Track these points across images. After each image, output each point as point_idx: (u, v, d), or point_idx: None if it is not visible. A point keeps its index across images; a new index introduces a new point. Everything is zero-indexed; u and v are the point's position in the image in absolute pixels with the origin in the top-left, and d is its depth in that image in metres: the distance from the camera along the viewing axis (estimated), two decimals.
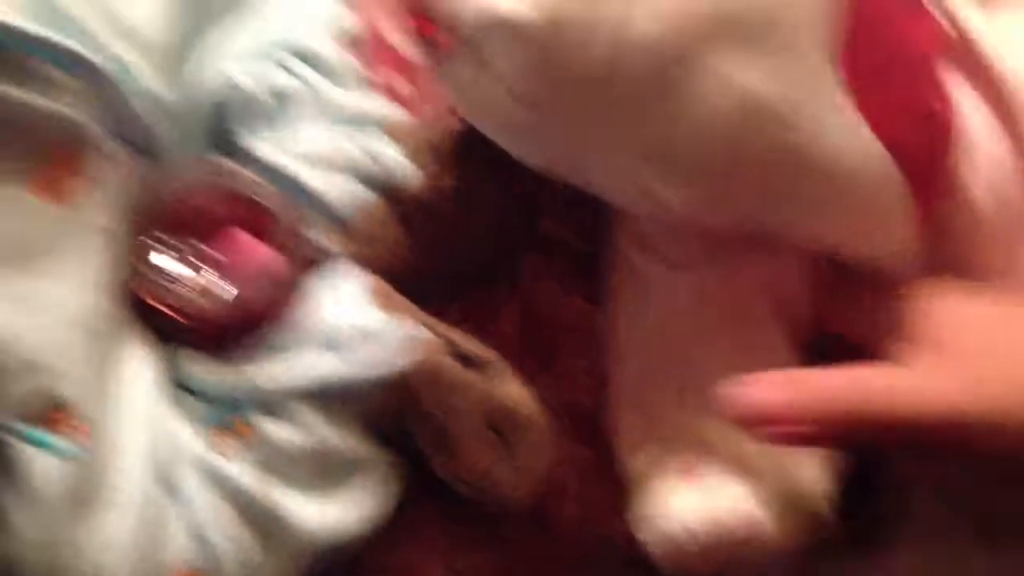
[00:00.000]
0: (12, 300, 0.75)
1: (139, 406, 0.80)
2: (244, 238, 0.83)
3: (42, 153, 0.77)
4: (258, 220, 0.84)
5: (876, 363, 0.78)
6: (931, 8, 0.82)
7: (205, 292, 0.82)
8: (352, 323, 0.81)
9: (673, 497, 0.82)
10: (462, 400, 0.80)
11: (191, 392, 0.82)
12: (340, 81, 0.88)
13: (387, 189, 0.85)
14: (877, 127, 0.77)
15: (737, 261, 0.83)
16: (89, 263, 0.79)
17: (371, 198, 0.85)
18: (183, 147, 0.85)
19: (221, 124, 0.87)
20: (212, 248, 0.83)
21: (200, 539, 0.80)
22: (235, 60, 0.87)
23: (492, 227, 0.87)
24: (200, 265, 0.82)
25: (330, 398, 0.81)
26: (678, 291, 0.84)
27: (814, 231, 0.80)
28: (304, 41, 0.88)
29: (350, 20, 0.90)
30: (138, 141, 0.82)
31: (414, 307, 0.82)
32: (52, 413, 0.76)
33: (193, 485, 0.80)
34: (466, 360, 0.81)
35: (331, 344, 0.81)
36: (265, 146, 0.85)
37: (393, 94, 0.88)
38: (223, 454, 0.81)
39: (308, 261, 0.84)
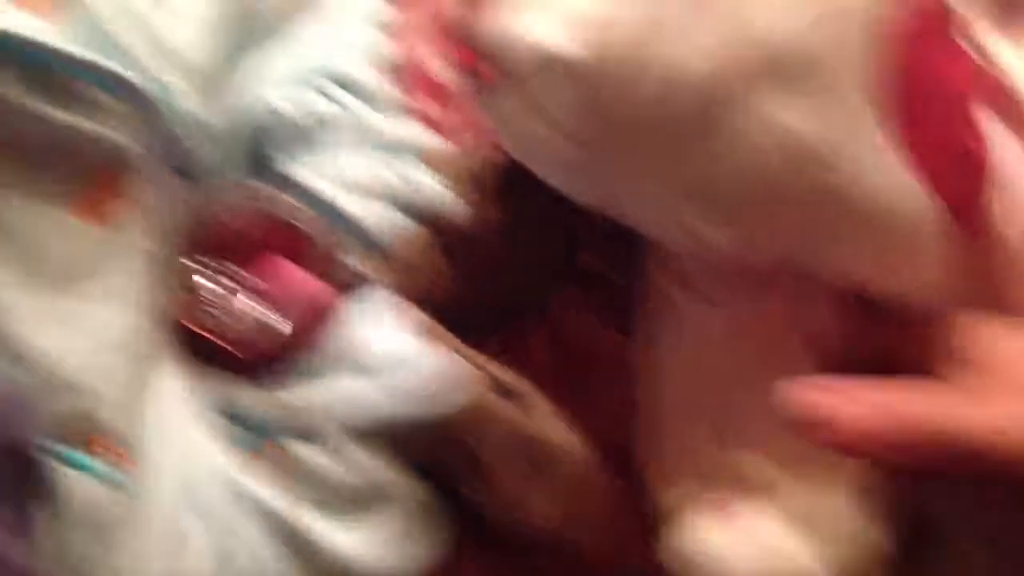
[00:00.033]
0: (55, 321, 0.76)
1: (174, 429, 0.81)
2: (283, 264, 0.84)
3: (86, 175, 0.78)
4: (297, 245, 0.84)
5: (924, 382, 0.78)
6: (965, 45, 0.83)
7: (243, 317, 0.82)
8: (393, 354, 0.81)
9: (707, 533, 0.82)
10: (498, 432, 0.81)
11: (226, 415, 0.83)
12: (379, 108, 0.88)
13: (428, 218, 0.85)
14: (914, 166, 0.77)
15: (771, 297, 0.84)
16: (131, 285, 0.79)
17: (412, 227, 0.85)
18: (224, 171, 0.86)
19: (261, 149, 0.87)
20: (251, 273, 0.83)
21: (231, 563, 0.80)
22: (275, 85, 0.87)
23: (531, 258, 0.87)
24: (239, 290, 0.83)
25: (368, 428, 0.81)
26: (713, 326, 0.84)
27: (851, 268, 0.80)
28: (343, 67, 0.89)
29: (389, 47, 0.91)
30: (180, 164, 0.82)
31: (454, 339, 0.83)
32: (92, 436, 0.77)
33: (225, 508, 0.80)
34: (503, 391, 0.82)
35: (371, 373, 0.81)
36: (304, 171, 0.85)
37: (432, 122, 0.89)
38: (256, 478, 0.81)
39: (346, 287, 0.85)
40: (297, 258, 0.84)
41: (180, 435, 0.81)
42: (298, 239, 0.84)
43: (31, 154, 0.76)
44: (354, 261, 0.85)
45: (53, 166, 0.77)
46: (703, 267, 0.84)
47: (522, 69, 0.75)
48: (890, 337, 0.83)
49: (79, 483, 0.76)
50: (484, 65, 0.77)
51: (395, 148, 0.87)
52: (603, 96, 0.73)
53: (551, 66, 0.73)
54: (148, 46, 0.80)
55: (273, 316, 0.82)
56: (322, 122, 0.87)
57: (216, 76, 0.85)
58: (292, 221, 0.84)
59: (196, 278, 0.83)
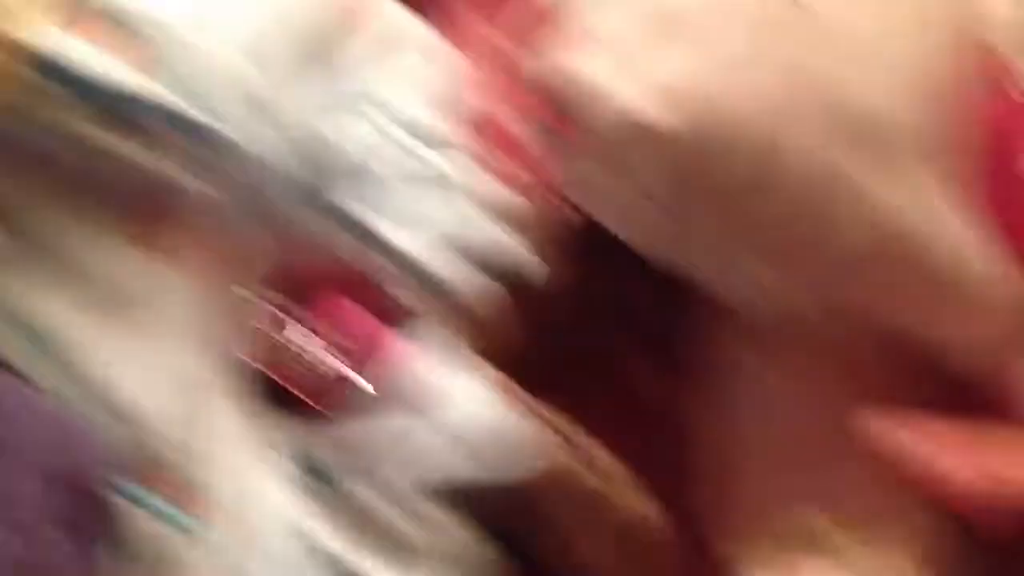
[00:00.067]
0: (117, 353, 0.76)
1: (241, 472, 0.80)
2: (355, 309, 0.84)
3: (145, 207, 0.78)
4: (367, 291, 0.84)
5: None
6: None
7: (313, 361, 0.82)
8: (471, 412, 0.81)
9: None
10: (571, 495, 0.81)
11: (295, 460, 0.83)
12: (456, 160, 0.88)
13: (504, 276, 0.85)
14: (995, 233, 0.78)
15: (838, 360, 0.84)
16: (191, 320, 0.79)
17: (488, 284, 0.85)
18: (289, 207, 0.86)
19: (328, 188, 0.87)
20: (317, 313, 0.83)
21: None
22: (351, 126, 0.88)
23: (602, 316, 0.87)
24: (304, 331, 0.83)
25: (441, 485, 0.81)
26: (781, 388, 0.85)
27: (921, 324, 0.81)
28: (420, 116, 0.88)
29: (466, 97, 0.91)
30: (243, 200, 0.83)
31: (527, 396, 0.83)
32: (156, 474, 0.77)
33: (290, 555, 0.80)
34: (574, 452, 0.82)
35: (447, 431, 0.81)
36: (382, 221, 0.85)
37: (509, 178, 0.89)
38: (322, 525, 0.81)
39: (418, 337, 0.85)
40: (368, 304, 0.84)
41: (247, 479, 0.80)
42: (369, 285, 0.84)
43: (92, 184, 0.76)
44: (426, 311, 0.85)
45: (114, 197, 0.77)
46: (773, 328, 0.85)
47: (610, 134, 0.76)
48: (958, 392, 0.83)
49: (141, 519, 0.76)
50: (567, 125, 0.78)
51: (470, 199, 0.87)
52: (694, 166, 0.75)
53: (642, 134, 0.75)
54: (212, 81, 0.81)
55: (343, 362, 0.82)
56: (397, 168, 0.87)
57: (277, 107, 0.86)
58: (363, 267, 0.85)
59: (263, 317, 0.83)
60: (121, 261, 0.76)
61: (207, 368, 0.79)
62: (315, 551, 0.80)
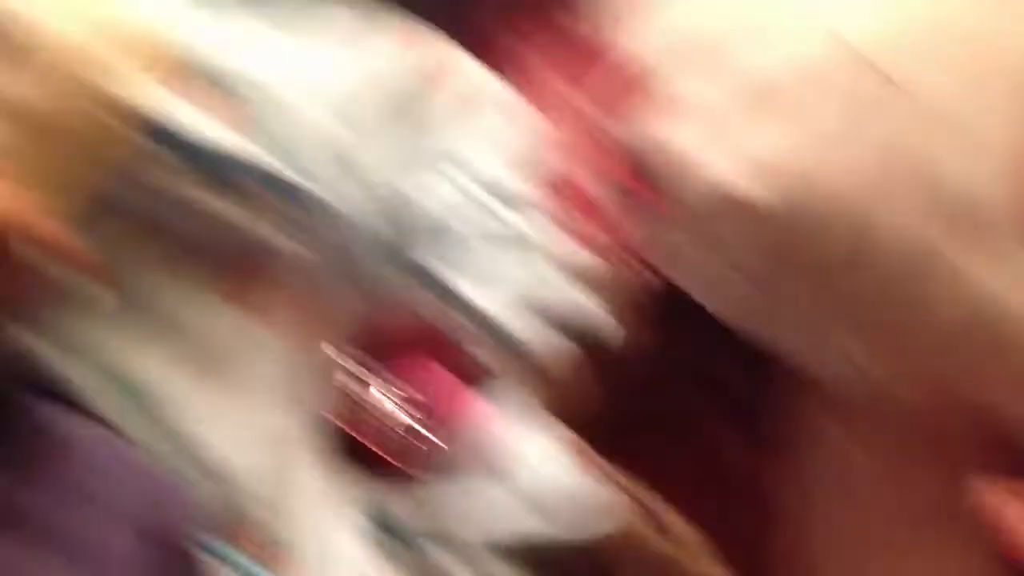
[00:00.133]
0: (209, 410, 0.77)
1: (315, 524, 0.81)
2: (435, 369, 0.84)
3: (240, 266, 0.79)
4: (448, 350, 0.85)
5: None
6: None
7: (392, 420, 0.83)
8: (544, 474, 0.82)
9: None
10: (641, 559, 0.81)
11: (370, 517, 0.83)
12: (535, 221, 0.89)
13: (582, 338, 0.86)
14: None
15: (928, 437, 0.84)
16: (280, 377, 0.80)
17: (566, 345, 0.86)
18: (373, 266, 0.86)
19: (413, 248, 0.87)
20: (399, 373, 0.84)
21: None
22: (434, 187, 0.88)
23: (679, 381, 0.87)
24: (386, 390, 0.83)
25: (512, 545, 0.81)
26: (866, 462, 0.84)
27: (1020, 407, 0.81)
28: (503, 177, 0.89)
29: (546, 158, 0.91)
30: (330, 258, 0.83)
31: (607, 464, 0.83)
32: (242, 531, 0.77)
33: None
34: (647, 516, 0.82)
35: (520, 491, 0.82)
36: (458, 277, 0.86)
37: (589, 240, 0.89)
38: None
39: (495, 396, 0.85)
40: (447, 363, 0.85)
41: (328, 537, 0.81)
42: (449, 344, 0.85)
43: (189, 242, 0.77)
44: (504, 371, 0.86)
45: (209, 254, 0.78)
46: (861, 404, 0.84)
47: (700, 205, 0.76)
48: None
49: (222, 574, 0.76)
50: (655, 193, 0.78)
51: (550, 261, 0.88)
52: (788, 242, 0.74)
53: (734, 208, 0.75)
54: (313, 148, 0.81)
55: (422, 421, 0.83)
56: (478, 228, 0.88)
57: (365, 168, 0.86)
58: (443, 326, 0.85)
59: (346, 376, 0.83)
60: (216, 319, 0.77)
61: (293, 426, 0.80)
62: None
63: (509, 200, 0.89)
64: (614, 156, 0.85)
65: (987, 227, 0.76)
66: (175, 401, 0.76)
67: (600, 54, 0.86)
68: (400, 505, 0.83)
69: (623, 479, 0.84)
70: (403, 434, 0.83)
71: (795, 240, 0.74)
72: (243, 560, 0.77)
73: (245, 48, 0.79)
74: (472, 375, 0.85)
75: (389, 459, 0.83)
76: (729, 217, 0.75)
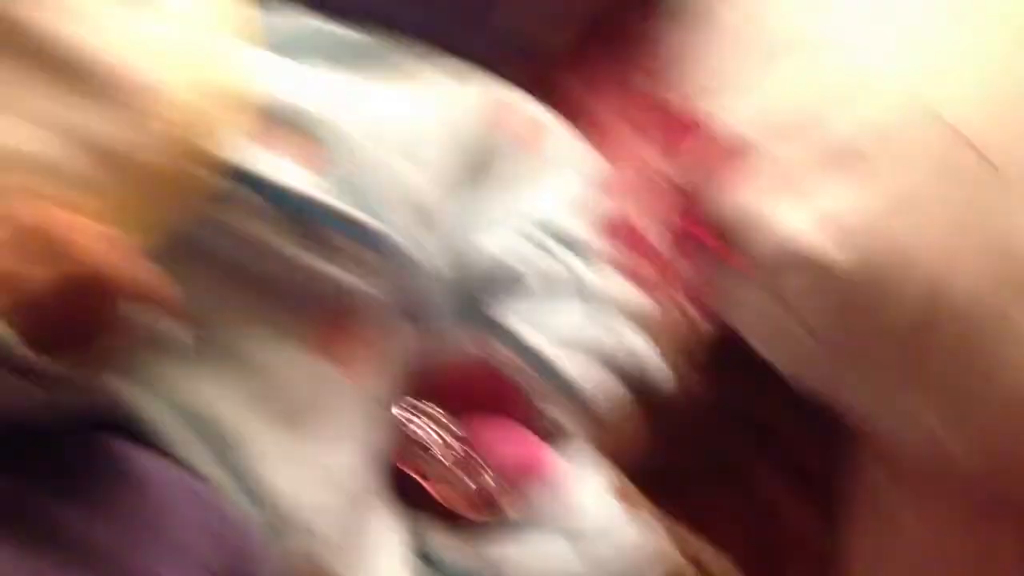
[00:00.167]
0: (287, 459, 0.76)
1: (379, 570, 0.81)
2: (494, 416, 0.84)
3: (326, 317, 0.79)
4: (507, 395, 0.85)
5: None
6: None
7: (451, 466, 0.83)
8: (595, 520, 0.82)
9: None
10: None
11: (427, 560, 0.84)
12: (594, 264, 0.89)
13: (635, 382, 0.86)
14: None
15: (988, 508, 0.85)
16: (356, 427, 0.80)
17: (618, 388, 0.86)
18: (443, 314, 0.87)
19: (477, 293, 0.88)
20: (463, 421, 0.84)
21: None
22: (495, 232, 0.88)
23: (731, 430, 0.88)
24: (454, 442, 0.84)
25: None
26: (920, 527, 0.85)
27: None
28: (561, 221, 0.89)
29: (603, 203, 0.92)
30: (408, 308, 0.84)
31: (650, 504, 0.84)
32: (304, 572, 0.78)
33: None
34: (696, 563, 0.83)
35: (571, 538, 0.82)
36: (518, 321, 0.86)
37: (647, 285, 0.90)
38: None
39: (547, 438, 0.86)
40: (506, 408, 0.85)
41: None
42: (509, 389, 0.85)
43: (276, 292, 0.77)
44: (557, 414, 0.86)
45: (296, 305, 0.78)
46: (921, 468, 0.85)
47: (771, 260, 0.77)
48: None
49: None
50: (727, 249, 0.79)
51: (608, 306, 0.88)
52: (858, 301, 0.75)
53: (806, 265, 0.75)
54: (390, 194, 0.81)
55: (479, 468, 0.83)
56: (538, 273, 0.88)
57: (438, 216, 0.87)
58: (504, 371, 0.85)
59: (410, 422, 0.84)
60: (294, 363, 0.77)
61: (364, 474, 0.81)
62: None
63: (579, 251, 0.89)
64: (681, 204, 0.86)
65: None
66: (249, 443, 0.75)
67: (678, 113, 0.87)
68: (456, 550, 0.83)
69: (672, 526, 0.84)
70: (468, 485, 0.84)
71: (866, 301, 0.75)
72: None
73: (327, 94, 0.79)
74: (541, 428, 0.85)
75: (453, 509, 0.83)
76: (800, 273, 0.76)
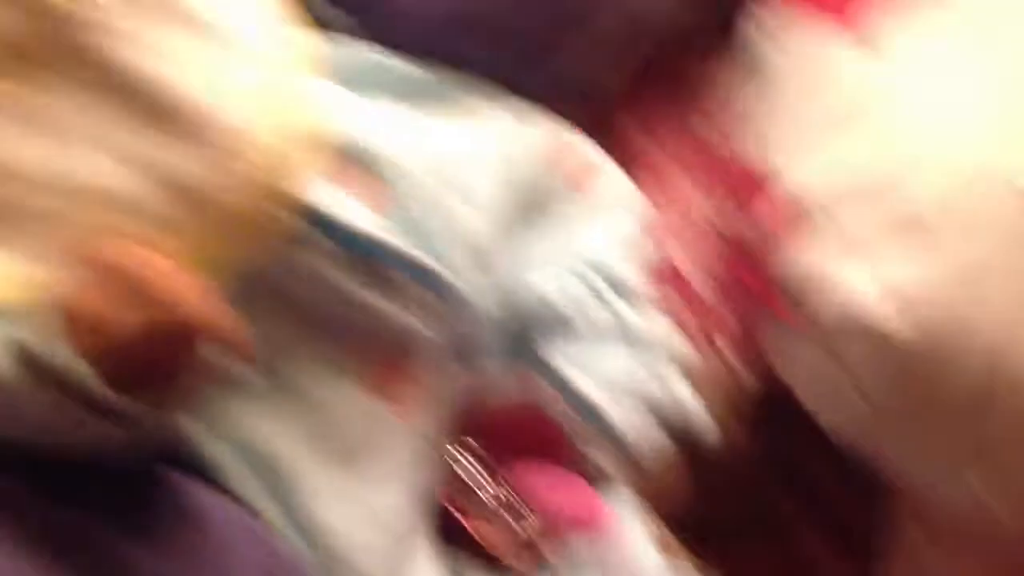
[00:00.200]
0: (339, 497, 0.76)
1: None
2: (539, 460, 0.84)
3: (382, 356, 0.79)
4: (552, 438, 0.85)
5: None
6: None
7: (499, 512, 0.83)
8: (642, 572, 0.82)
9: None
10: None
11: None
12: (643, 311, 0.90)
13: (679, 432, 0.86)
14: None
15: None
16: (405, 467, 0.80)
17: (662, 438, 0.87)
18: (492, 353, 0.87)
19: (526, 332, 0.88)
20: (509, 463, 0.85)
21: None
22: (544, 272, 0.89)
23: (772, 485, 0.88)
24: (498, 484, 0.84)
25: None
26: None
27: None
28: (610, 263, 0.89)
29: (665, 255, 0.92)
30: (459, 348, 0.84)
31: (695, 559, 0.84)
32: None
33: None
34: None
35: None
36: (569, 366, 0.86)
37: (691, 332, 0.90)
38: None
39: (591, 482, 0.86)
40: (550, 450, 0.85)
41: None
42: (553, 431, 0.85)
43: (337, 330, 0.77)
44: (600, 459, 0.86)
45: (355, 344, 0.78)
46: (961, 529, 0.85)
47: (831, 323, 0.77)
48: None
49: None
50: (782, 302, 0.79)
51: (654, 352, 0.88)
52: (917, 372, 0.75)
53: (866, 332, 0.75)
54: (450, 235, 0.82)
55: (523, 511, 0.83)
56: (586, 316, 0.88)
57: (492, 257, 0.87)
58: (548, 413, 0.86)
59: (456, 461, 0.84)
60: (351, 402, 0.77)
61: (410, 512, 0.81)
62: None
63: (630, 296, 0.89)
64: (729, 253, 0.86)
65: None
66: (303, 480, 0.75)
67: (740, 166, 0.87)
68: None
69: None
70: (513, 526, 0.84)
71: (924, 371, 0.75)
72: None
73: (391, 130, 0.79)
74: (581, 469, 0.85)
75: (495, 550, 0.83)
76: (859, 339, 0.76)
